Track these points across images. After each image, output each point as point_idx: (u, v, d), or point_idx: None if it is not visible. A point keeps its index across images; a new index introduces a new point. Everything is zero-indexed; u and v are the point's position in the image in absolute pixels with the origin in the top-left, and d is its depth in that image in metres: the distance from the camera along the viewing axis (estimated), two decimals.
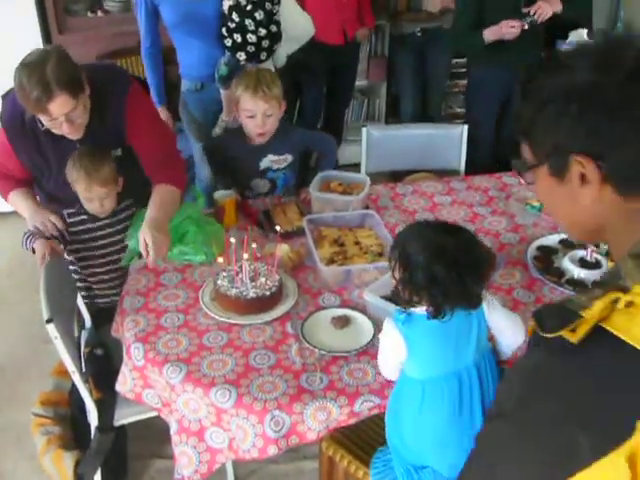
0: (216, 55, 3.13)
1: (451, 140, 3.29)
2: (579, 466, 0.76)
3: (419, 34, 4.41)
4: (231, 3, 3.01)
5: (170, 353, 1.90)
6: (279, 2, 3.09)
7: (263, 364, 1.85)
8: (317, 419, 1.73)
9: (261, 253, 2.29)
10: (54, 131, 2.22)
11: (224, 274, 2.09)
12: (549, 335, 0.84)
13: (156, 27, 3.21)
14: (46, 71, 2.05)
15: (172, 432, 1.89)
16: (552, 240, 2.38)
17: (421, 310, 1.59)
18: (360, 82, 4.69)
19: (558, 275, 2.19)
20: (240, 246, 2.11)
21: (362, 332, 1.95)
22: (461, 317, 1.58)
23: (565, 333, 0.82)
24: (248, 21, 3.00)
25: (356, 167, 3.56)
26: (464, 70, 4.40)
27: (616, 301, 0.81)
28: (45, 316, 1.96)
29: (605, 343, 0.80)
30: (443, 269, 1.50)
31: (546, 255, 2.30)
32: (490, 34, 3.50)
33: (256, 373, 1.82)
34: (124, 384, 2.01)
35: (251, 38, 3.04)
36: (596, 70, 0.89)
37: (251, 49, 3.06)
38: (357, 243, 2.34)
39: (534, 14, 3.44)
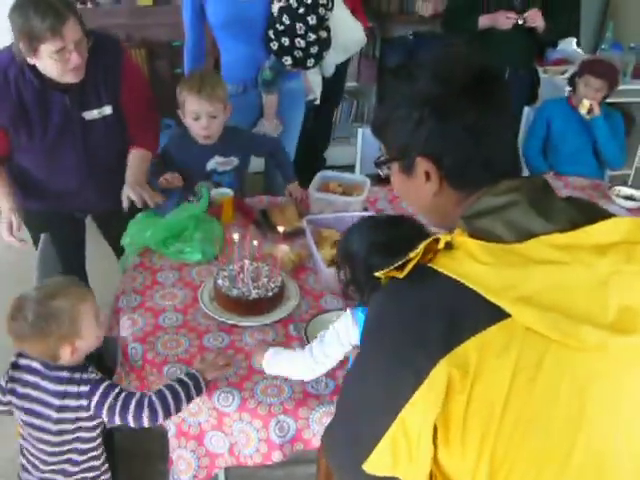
0: (260, 58, 3.03)
1: None
2: (419, 381, 0.93)
3: (411, 37, 4.40)
4: (282, 4, 2.90)
5: (170, 354, 1.84)
6: (332, 8, 3.01)
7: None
8: (323, 424, 1.68)
9: (260, 253, 2.24)
10: (55, 72, 2.19)
11: (224, 274, 2.04)
12: (382, 276, 1.03)
13: (201, 26, 3.06)
14: (50, 1, 2.10)
15: (170, 435, 1.83)
16: None
17: None
18: (350, 83, 4.67)
19: None
20: (242, 246, 2.06)
21: None
22: None
23: (393, 273, 1.00)
24: (299, 25, 2.91)
25: (344, 169, 3.53)
26: None
27: (437, 241, 0.98)
28: None
29: (428, 277, 0.97)
30: (380, 261, 1.39)
31: None
32: (485, 20, 3.55)
33: (260, 376, 1.77)
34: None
35: (299, 43, 2.96)
36: (434, 82, 1.03)
37: (298, 54, 2.98)
38: None
39: (527, 16, 3.50)
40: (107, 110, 2.43)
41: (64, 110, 2.33)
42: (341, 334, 1.58)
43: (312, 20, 2.93)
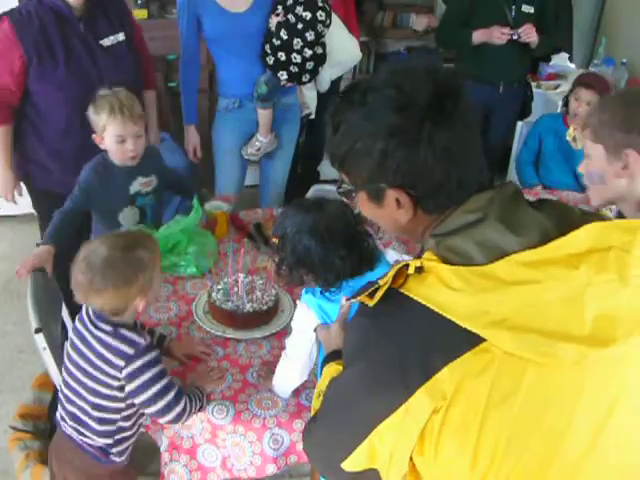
0: (256, 73, 3.02)
1: None
2: (394, 408, 0.94)
3: (404, 52, 4.43)
4: (280, 19, 2.91)
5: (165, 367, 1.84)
6: (329, 25, 3.02)
7: (261, 380, 1.80)
8: None
9: (254, 266, 2.25)
10: None
11: (219, 287, 2.04)
12: (355, 302, 1.03)
13: (196, 40, 3.04)
14: None
15: (162, 449, 1.82)
16: None
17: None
18: None
19: None
20: (235, 259, 2.06)
21: None
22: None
23: (364, 299, 1.00)
24: (296, 40, 2.91)
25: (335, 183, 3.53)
26: None
27: (407, 267, 0.96)
28: (34, 325, 1.88)
29: (401, 304, 0.96)
30: (307, 240, 1.53)
31: None
32: (479, 35, 3.57)
33: (254, 389, 1.77)
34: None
35: (295, 58, 2.95)
36: (394, 111, 0.97)
37: (294, 69, 2.98)
38: None
39: (521, 31, 3.52)
40: (120, 36, 2.68)
41: (82, 37, 2.57)
42: (301, 324, 1.63)
43: (310, 36, 2.94)
